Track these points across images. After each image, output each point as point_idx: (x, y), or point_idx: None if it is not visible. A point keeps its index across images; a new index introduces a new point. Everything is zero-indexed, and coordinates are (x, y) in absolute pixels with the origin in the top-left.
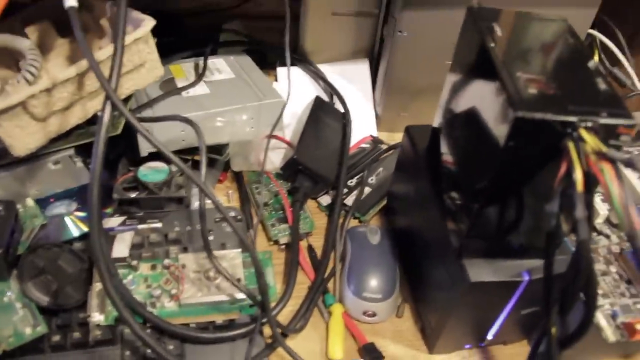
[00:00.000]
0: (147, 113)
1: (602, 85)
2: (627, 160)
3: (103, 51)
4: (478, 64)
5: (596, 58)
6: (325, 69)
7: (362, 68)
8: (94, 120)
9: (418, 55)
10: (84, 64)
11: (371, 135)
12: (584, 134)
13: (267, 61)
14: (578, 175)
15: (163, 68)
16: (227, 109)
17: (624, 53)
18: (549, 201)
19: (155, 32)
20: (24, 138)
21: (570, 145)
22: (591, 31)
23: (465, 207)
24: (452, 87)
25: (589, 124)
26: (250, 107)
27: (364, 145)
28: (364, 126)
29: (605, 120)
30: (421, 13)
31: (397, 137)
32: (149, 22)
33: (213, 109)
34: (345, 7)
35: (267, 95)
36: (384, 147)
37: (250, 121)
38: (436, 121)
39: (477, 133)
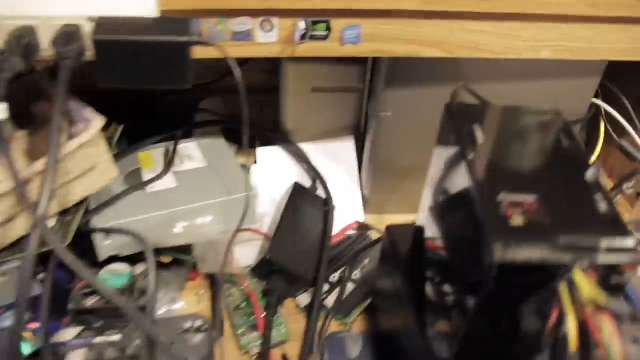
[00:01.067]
0: (107, 214)
1: (603, 205)
2: (633, 316)
3: (43, 160)
4: (457, 178)
5: (602, 131)
6: (308, 148)
7: (348, 146)
8: None
9: (405, 135)
10: (21, 176)
11: (357, 221)
12: (579, 277)
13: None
14: (571, 330)
15: (116, 170)
16: (193, 206)
17: (631, 122)
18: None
19: (127, 113)
20: None
21: (563, 290)
22: (595, 101)
23: (450, 336)
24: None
25: (586, 264)
26: (219, 204)
27: (349, 233)
28: (350, 209)
29: (605, 259)
30: (405, 92)
31: (387, 220)
32: (97, 123)
33: (178, 207)
34: (326, 83)
35: (238, 188)
36: (372, 233)
37: (218, 220)
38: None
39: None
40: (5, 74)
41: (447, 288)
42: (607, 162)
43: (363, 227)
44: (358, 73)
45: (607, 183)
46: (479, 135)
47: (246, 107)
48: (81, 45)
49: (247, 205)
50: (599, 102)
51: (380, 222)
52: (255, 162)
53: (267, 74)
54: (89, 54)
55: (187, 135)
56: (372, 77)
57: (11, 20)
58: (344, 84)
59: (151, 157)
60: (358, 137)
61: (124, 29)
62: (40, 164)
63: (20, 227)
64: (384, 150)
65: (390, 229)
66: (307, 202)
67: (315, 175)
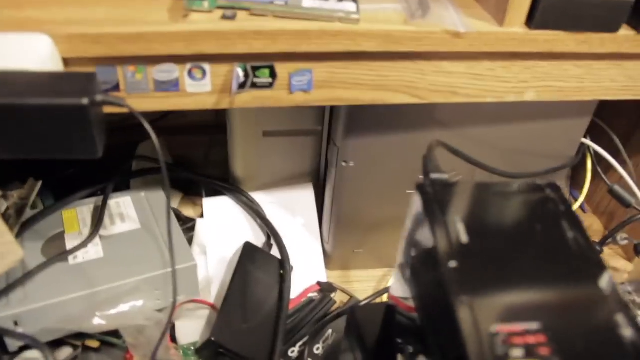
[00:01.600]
0: (18, 296)
1: (627, 331)
2: None
3: None
4: (437, 296)
5: (589, 172)
6: (261, 197)
7: (306, 195)
8: None
9: (370, 186)
10: None
11: (318, 282)
12: None
13: (192, 188)
14: None
15: (21, 250)
16: (121, 283)
17: (623, 164)
18: None
19: (50, 166)
20: None
21: None
22: (584, 140)
23: None
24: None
25: None
26: (152, 279)
27: (311, 295)
28: (310, 267)
29: None
30: (368, 141)
31: (353, 277)
32: None
33: (104, 285)
34: (279, 125)
35: (177, 257)
36: (335, 295)
37: (150, 298)
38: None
39: None
40: None
41: None
42: (593, 200)
43: (325, 289)
44: (315, 114)
45: (596, 224)
46: (462, 233)
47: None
48: None
49: (192, 274)
50: (587, 141)
51: (346, 280)
52: (201, 215)
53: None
54: None
55: (124, 185)
56: (330, 118)
57: None
58: (299, 127)
59: (77, 217)
60: (317, 185)
61: (12, 89)
62: None
63: None
64: (347, 201)
65: (354, 309)
66: (259, 265)
67: (269, 230)
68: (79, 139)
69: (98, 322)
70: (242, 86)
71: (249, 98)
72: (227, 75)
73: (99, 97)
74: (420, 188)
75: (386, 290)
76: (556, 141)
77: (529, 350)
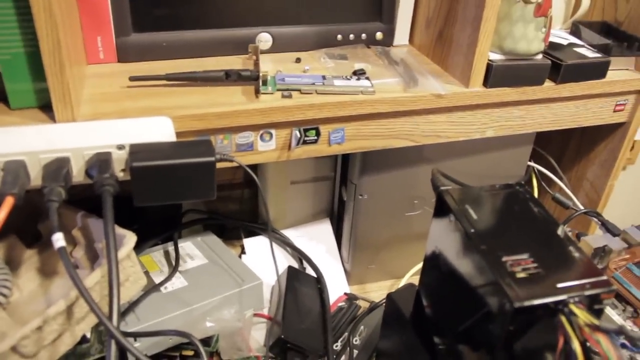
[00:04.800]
0: (132, 319)
1: (576, 254)
2: (618, 330)
3: (91, 277)
4: (462, 247)
5: (535, 186)
6: (289, 233)
7: (325, 228)
8: (80, 341)
9: (379, 212)
10: (73, 295)
11: (345, 293)
12: (575, 309)
13: (227, 233)
14: (577, 347)
15: (145, 278)
16: (210, 301)
17: (559, 177)
18: None
19: (120, 221)
20: None
21: (564, 321)
22: (530, 163)
23: None
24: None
25: (577, 299)
26: (232, 296)
27: (340, 305)
28: (335, 283)
29: (590, 292)
30: (378, 177)
31: (369, 289)
32: (131, 239)
33: (197, 304)
34: (302, 175)
35: (245, 278)
36: (359, 302)
37: (236, 310)
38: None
39: (472, 308)
40: (55, 203)
41: (457, 339)
42: None
43: (351, 298)
44: (329, 164)
45: None
46: (472, 214)
47: (265, 205)
48: (113, 171)
49: (259, 291)
50: (532, 163)
51: (363, 291)
52: (241, 252)
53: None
54: (120, 175)
55: (177, 235)
56: (343, 165)
57: (46, 153)
58: (318, 174)
59: (153, 260)
60: (332, 219)
61: (156, 155)
62: (89, 281)
63: (66, 342)
64: (361, 227)
65: (390, 296)
66: (302, 282)
67: (301, 256)
68: (203, 186)
69: (210, 325)
70: (297, 143)
71: (301, 151)
72: (286, 136)
73: (219, 155)
74: (439, 193)
75: None
76: (509, 164)
77: (525, 268)
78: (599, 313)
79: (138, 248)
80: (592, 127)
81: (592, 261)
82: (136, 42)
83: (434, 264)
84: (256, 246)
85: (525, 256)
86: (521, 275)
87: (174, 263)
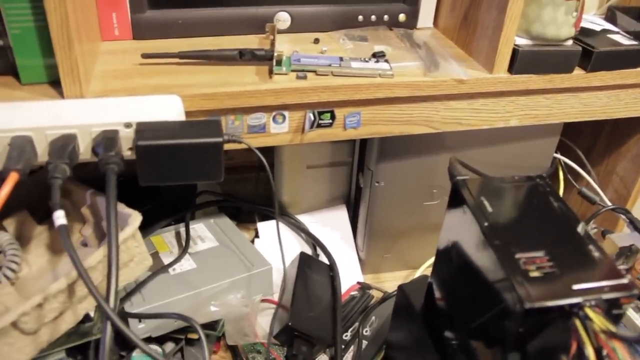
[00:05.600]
0: (137, 299)
1: (596, 253)
2: (638, 339)
3: (94, 256)
4: (476, 241)
5: (562, 179)
6: (304, 219)
7: (341, 214)
8: (83, 319)
9: (396, 201)
10: (74, 274)
11: (358, 282)
12: (590, 313)
13: (242, 216)
14: (590, 354)
15: (150, 258)
16: (218, 284)
17: (587, 171)
18: None
19: (133, 201)
20: (13, 354)
21: (579, 325)
22: (556, 155)
23: None
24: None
25: (594, 302)
26: (241, 280)
27: (353, 294)
28: (349, 272)
29: (608, 296)
30: (396, 164)
31: (383, 278)
32: (136, 218)
33: (204, 287)
34: (319, 160)
35: (255, 263)
36: (372, 292)
37: (243, 295)
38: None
39: (485, 306)
40: (58, 180)
41: (468, 335)
42: (568, 202)
43: (364, 287)
44: (347, 149)
45: None
46: (487, 206)
47: (276, 190)
48: (120, 149)
49: (268, 276)
50: (558, 155)
51: (377, 281)
52: (255, 237)
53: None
54: (127, 155)
55: (191, 216)
56: (361, 150)
57: (53, 130)
58: (335, 159)
59: (164, 240)
60: (348, 205)
61: (163, 134)
62: (92, 260)
63: (68, 321)
64: (377, 215)
65: (402, 287)
66: (313, 269)
67: (315, 242)
68: (210, 167)
69: (214, 310)
70: (311, 126)
71: (315, 135)
72: (299, 119)
73: (227, 136)
74: (455, 184)
75: None
76: (534, 155)
77: (539, 267)
78: (617, 318)
79: (150, 228)
80: (624, 119)
81: (613, 262)
82: (151, 19)
83: (447, 257)
84: (269, 230)
85: (540, 254)
86: (535, 274)
87: (184, 244)
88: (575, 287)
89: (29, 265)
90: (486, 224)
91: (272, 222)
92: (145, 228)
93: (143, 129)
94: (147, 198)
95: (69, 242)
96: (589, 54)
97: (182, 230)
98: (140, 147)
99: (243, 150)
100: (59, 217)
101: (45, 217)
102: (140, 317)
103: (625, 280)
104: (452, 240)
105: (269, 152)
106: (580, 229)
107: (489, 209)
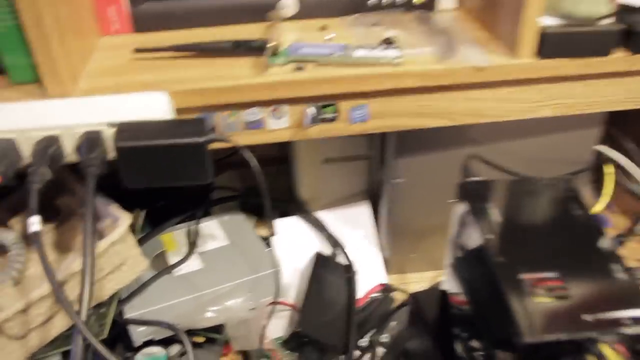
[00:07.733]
0: (138, 302)
1: (620, 274)
2: None
3: (78, 261)
4: (478, 257)
5: (609, 175)
6: (324, 215)
7: (363, 211)
8: None
9: (419, 197)
10: (59, 278)
11: (381, 284)
12: (606, 350)
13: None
14: None
15: (146, 262)
16: (222, 288)
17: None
18: None
19: (146, 197)
20: (2, 359)
21: None
22: (601, 147)
23: None
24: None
25: (611, 337)
26: (246, 282)
27: (373, 296)
28: (372, 272)
29: (632, 331)
30: (415, 159)
31: (409, 279)
32: (125, 220)
33: (207, 290)
34: (337, 153)
35: (263, 265)
36: (396, 293)
37: (247, 298)
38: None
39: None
40: (36, 185)
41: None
42: (618, 203)
43: (387, 289)
44: (367, 141)
45: (622, 221)
46: (494, 213)
47: (268, 199)
48: (103, 150)
49: (277, 279)
50: (601, 147)
51: (403, 282)
52: (274, 234)
53: (278, 144)
54: (112, 155)
55: (206, 213)
56: (382, 143)
57: (36, 131)
58: (354, 153)
59: (174, 239)
60: (372, 201)
61: (143, 134)
62: (75, 265)
63: (59, 325)
64: (400, 213)
65: (414, 296)
66: (329, 270)
67: (334, 242)
68: (195, 168)
69: (207, 319)
70: (312, 121)
71: (317, 130)
72: (300, 113)
73: (210, 136)
74: (460, 185)
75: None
76: (572, 148)
77: (550, 289)
78: None
79: (162, 225)
80: None
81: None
82: (151, 10)
83: (455, 265)
84: (288, 227)
85: (551, 274)
86: (542, 299)
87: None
88: (589, 317)
89: (34, 265)
90: (490, 235)
91: (291, 219)
92: (158, 225)
93: (124, 129)
94: (160, 194)
95: (42, 251)
96: (631, 34)
97: (194, 229)
98: (120, 149)
99: (261, 144)
100: (33, 224)
101: (52, 216)
102: (128, 323)
103: None
104: (458, 249)
105: (286, 145)
106: (604, 243)
107: (497, 217)
